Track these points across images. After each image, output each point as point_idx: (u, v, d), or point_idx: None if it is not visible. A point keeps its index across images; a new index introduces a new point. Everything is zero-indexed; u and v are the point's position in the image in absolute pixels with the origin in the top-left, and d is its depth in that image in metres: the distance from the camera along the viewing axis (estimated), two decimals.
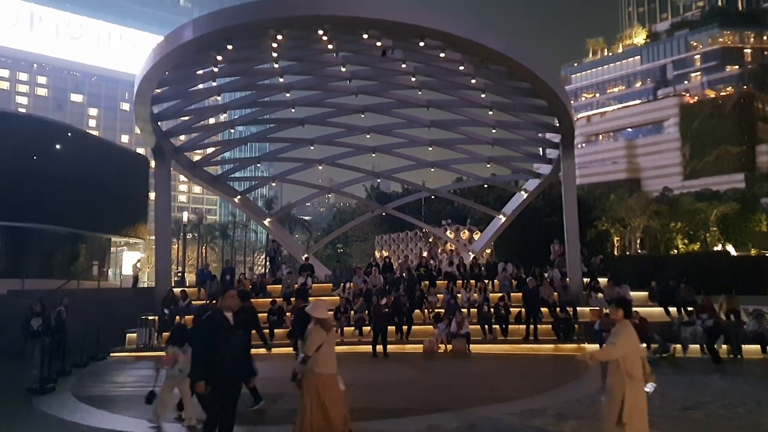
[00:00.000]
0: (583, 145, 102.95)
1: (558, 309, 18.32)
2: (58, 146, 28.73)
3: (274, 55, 18.05)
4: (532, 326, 17.88)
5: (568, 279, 20.37)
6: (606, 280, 20.22)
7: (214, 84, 20.10)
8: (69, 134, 31.19)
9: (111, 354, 16.39)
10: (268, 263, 26.52)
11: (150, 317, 17.97)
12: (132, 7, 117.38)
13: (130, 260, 35.84)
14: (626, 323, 6.05)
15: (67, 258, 29.68)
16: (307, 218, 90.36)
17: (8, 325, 15.91)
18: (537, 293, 18.63)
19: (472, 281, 20.83)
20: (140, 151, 49.18)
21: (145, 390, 9.42)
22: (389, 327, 16.76)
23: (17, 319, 15.59)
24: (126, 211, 33.43)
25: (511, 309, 18.43)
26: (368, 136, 25.50)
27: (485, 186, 36.43)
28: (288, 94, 21.59)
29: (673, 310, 18.15)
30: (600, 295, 19.28)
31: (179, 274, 27.72)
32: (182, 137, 24.79)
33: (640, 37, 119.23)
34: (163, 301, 18.29)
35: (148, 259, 53.41)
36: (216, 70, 18.47)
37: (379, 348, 16.03)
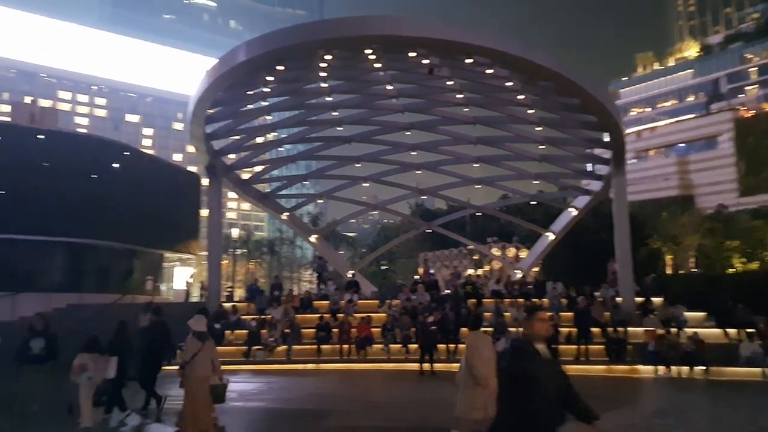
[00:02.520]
0: (634, 161, 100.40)
1: (611, 329, 17.89)
2: (115, 165, 29.80)
3: (323, 74, 18.38)
4: (583, 347, 17.48)
5: (618, 298, 19.82)
6: (661, 300, 19.61)
7: (264, 104, 20.60)
8: (126, 153, 32.29)
9: (163, 367, 16.69)
10: (316, 279, 26.81)
11: None
12: (185, 30, 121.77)
13: (182, 275, 36.72)
14: (475, 334, 7.00)
15: (122, 273, 30.55)
16: (351, 234, 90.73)
17: (70, 338, 16.30)
18: (588, 313, 18.20)
19: (520, 299, 20.52)
20: (192, 169, 50.50)
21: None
22: (439, 345, 16.67)
23: (76, 334, 15.93)
24: (178, 228, 34.30)
25: (560, 329, 18.05)
26: (414, 153, 25.57)
27: (532, 203, 35.97)
28: (335, 113, 21.92)
29: (732, 331, 17.49)
30: (653, 315, 18.70)
31: (229, 290, 28.20)
32: (233, 155, 25.39)
33: (692, 51, 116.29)
34: (214, 316, 18.69)
35: (199, 274, 54.61)
36: (266, 90, 18.92)
37: (426, 366, 15.94)
